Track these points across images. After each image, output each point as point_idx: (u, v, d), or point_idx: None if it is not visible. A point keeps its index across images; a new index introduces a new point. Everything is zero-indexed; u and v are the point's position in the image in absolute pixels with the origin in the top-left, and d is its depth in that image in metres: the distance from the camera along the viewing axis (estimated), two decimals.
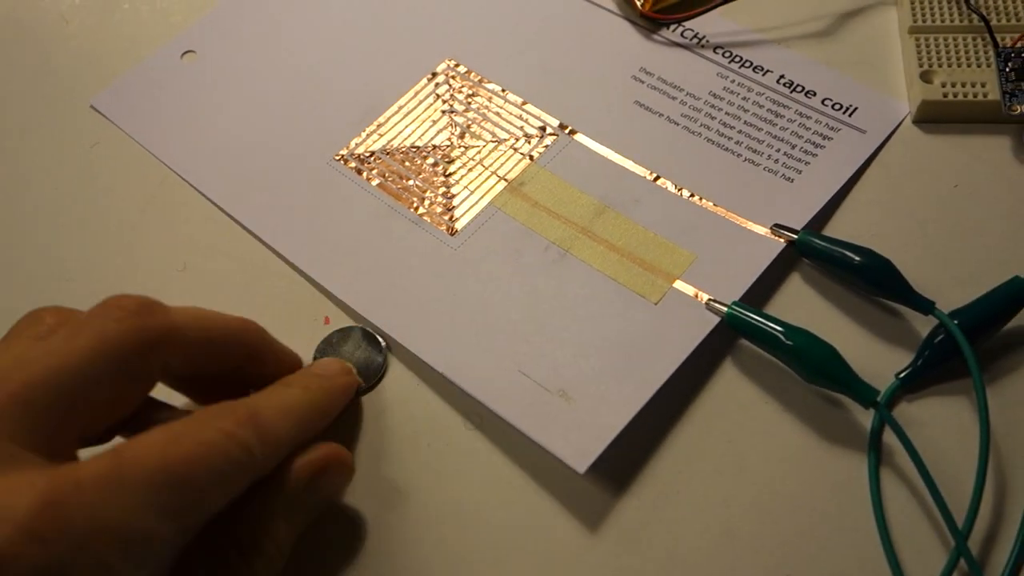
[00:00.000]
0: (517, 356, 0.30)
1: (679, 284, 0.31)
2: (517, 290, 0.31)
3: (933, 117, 0.34)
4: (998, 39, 0.34)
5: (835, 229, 0.32)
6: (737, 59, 0.37)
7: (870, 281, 0.30)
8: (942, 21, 0.36)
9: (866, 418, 0.28)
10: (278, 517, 0.24)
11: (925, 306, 0.29)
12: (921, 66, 0.35)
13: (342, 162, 0.35)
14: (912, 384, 0.29)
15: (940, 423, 0.28)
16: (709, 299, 0.30)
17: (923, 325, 0.30)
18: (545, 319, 0.31)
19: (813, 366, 0.28)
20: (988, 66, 0.34)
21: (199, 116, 0.37)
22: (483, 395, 0.29)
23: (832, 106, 0.35)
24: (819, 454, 0.28)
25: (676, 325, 0.30)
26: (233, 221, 0.34)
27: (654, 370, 0.29)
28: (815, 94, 0.35)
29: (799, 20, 0.38)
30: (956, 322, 0.28)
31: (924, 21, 0.36)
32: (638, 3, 0.38)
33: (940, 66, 0.35)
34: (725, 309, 0.29)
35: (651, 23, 0.39)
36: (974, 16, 0.35)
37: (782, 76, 0.36)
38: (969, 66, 0.34)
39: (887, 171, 0.34)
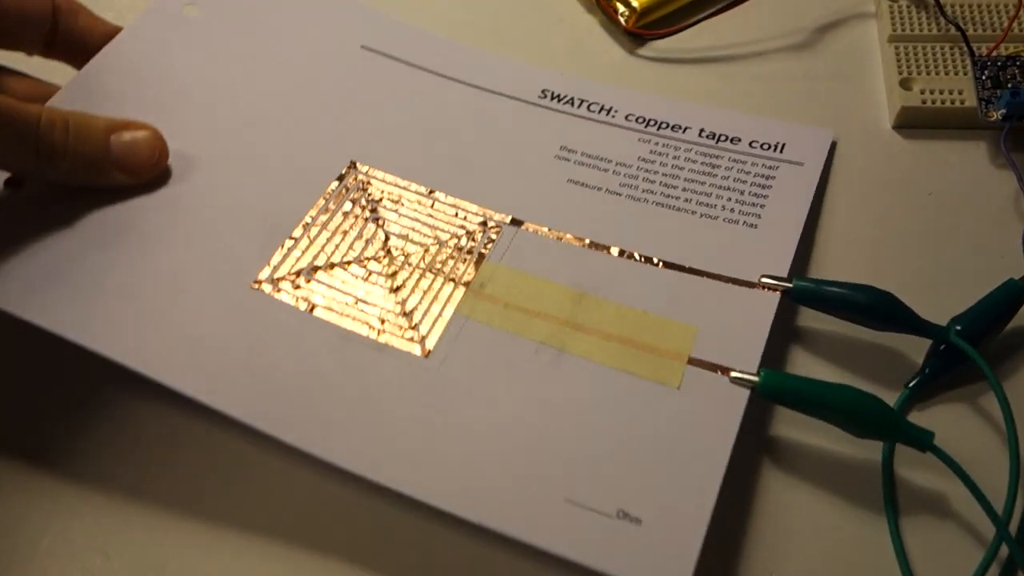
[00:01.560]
0: (556, 483, 0.26)
1: (692, 361, 0.28)
2: (523, 406, 0.28)
3: (912, 123, 0.36)
4: (974, 48, 0.36)
5: (820, 252, 0.32)
6: (652, 123, 0.36)
7: (876, 319, 0.29)
8: (920, 30, 0.37)
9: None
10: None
11: (939, 333, 0.29)
12: (900, 73, 0.36)
13: (267, 286, 0.30)
14: (921, 393, 0.29)
15: (956, 427, 0.28)
16: (735, 374, 0.28)
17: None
18: (568, 432, 0.27)
19: (865, 424, 0.26)
20: (965, 74, 0.36)
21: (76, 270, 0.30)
22: (537, 538, 0.25)
23: (761, 146, 0.34)
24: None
25: (709, 407, 0.27)
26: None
27: (709, 462, 0.26)
28: (740, 140, 0.35)
29: (778, 34, 0.39)
30: (958, 328, 0.29)
31: (903, 30, 0.37)
32: (622, 20, 0.38)
33: (919, 74, 0.36)
34: (755, 379, 0.27)
35: (635, 39, 0.39)
36: (951, 26, 0.37)
37: (702, 130, 0.35)
38: (947, 74, 0.36)
39: (864, 176, 0.34)
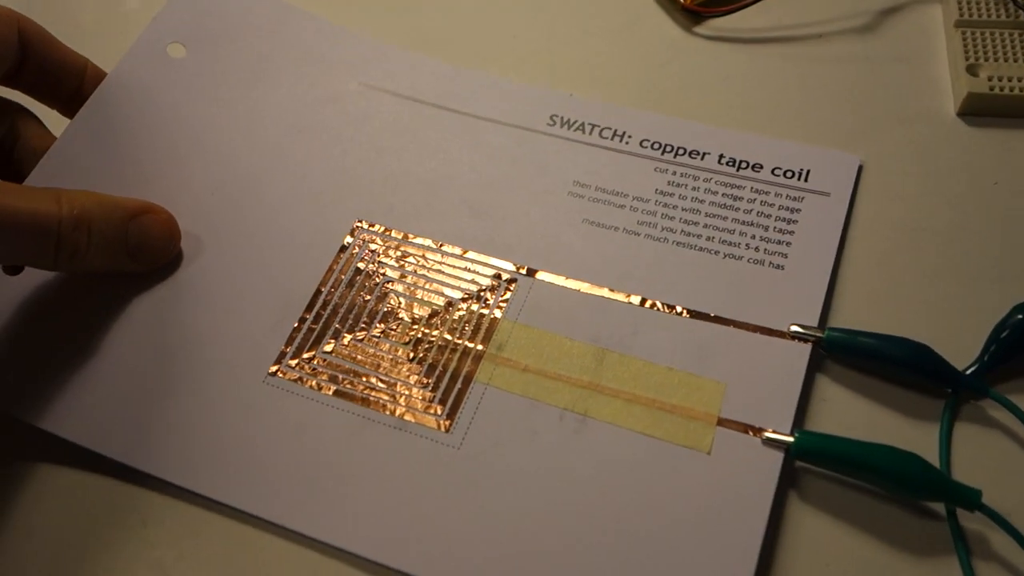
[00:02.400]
0: (587, 566, 0.25)
1: (723, 422, 0.28)
2: (551, 481, 0.27)
3: (978, 110, 0.34)
4: None
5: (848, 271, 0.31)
6: (669, 148, 0.34)
7: (911, 372, 0.28)
8: (988, 16, 0.36)
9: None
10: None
11: (975, 386, 0.27)
12: (968, 59, 0.35)
13: (280, 375, 0.29)
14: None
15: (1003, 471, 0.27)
16: (768, 435, 0.27)
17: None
18: (597, 508, 0.26)
19: (907, 483, 0.25)
20: None
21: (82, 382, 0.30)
22: None
23: (785, 174, 0.33)
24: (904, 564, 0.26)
25: (742, 473, 0.27)
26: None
27: (743, 534, 0.26)
28: (762, 167, 0.33)
29: (840, 15, 0.38)
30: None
31: (970, 15, 0.36)
32: None
33: (987, 60, 0.35)
34: (789, 440, 0.27)
35: (693, 17, 0.38)
36: (1020, 12, 0.35)
37: (721, 156, 0.34)
38: (1016, 61, 0.34)
39: (925, 163, 0.33)
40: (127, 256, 0.30)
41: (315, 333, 0.30)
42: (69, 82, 0.33)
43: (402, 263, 0.32)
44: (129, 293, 0.31)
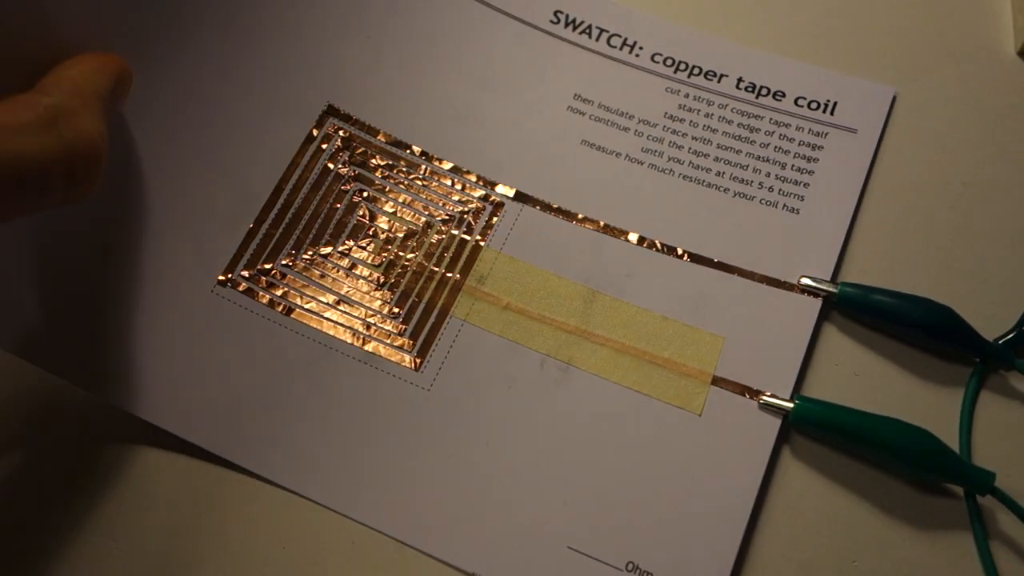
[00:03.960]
0: (557, 528, 0.23)
1: (717, 381, 0.25)
2: (524, 434, 0.25)
3: None
4: None
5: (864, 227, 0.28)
6: (683, 66, 0.30)
7: (931, 336, 0.25)
8: None
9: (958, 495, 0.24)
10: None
11: (1004, 357, 0.25)
12: None
13: (231, 287, 0.26)
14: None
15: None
16: (765, 399, 0.24)
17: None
18: (573, 468, 0.24)
19: (916, 462, 0.23)
20: None
21: None
22: None
23: (809, 105, 0.29)
24: (919, 546, 0.24)
25: (734, 438, 0.24)
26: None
27: (731, 507, 0.24)
28: (784, 95, 0.30)
29: None
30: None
31: None
32: None
33: None
34: (788, 406, 0.24)
35: None
36: None
37: (740, 79, 0.30)
38: None
39: (979, 105, 0.30)
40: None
41: (273, 240, 0.27)
42: None
43: (377, 169, 0.28)
44: None
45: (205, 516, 0.24)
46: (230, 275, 0.26)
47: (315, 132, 0.28)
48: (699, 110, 0.30)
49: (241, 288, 0.26)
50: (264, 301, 0.26)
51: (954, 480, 0.24)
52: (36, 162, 0.19)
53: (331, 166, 0.28)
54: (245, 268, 0.27)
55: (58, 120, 0.20)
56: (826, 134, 0.29)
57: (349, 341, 0.26)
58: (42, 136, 0.19)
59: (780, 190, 0.28)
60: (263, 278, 0.26)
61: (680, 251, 0.27)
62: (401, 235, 0.27)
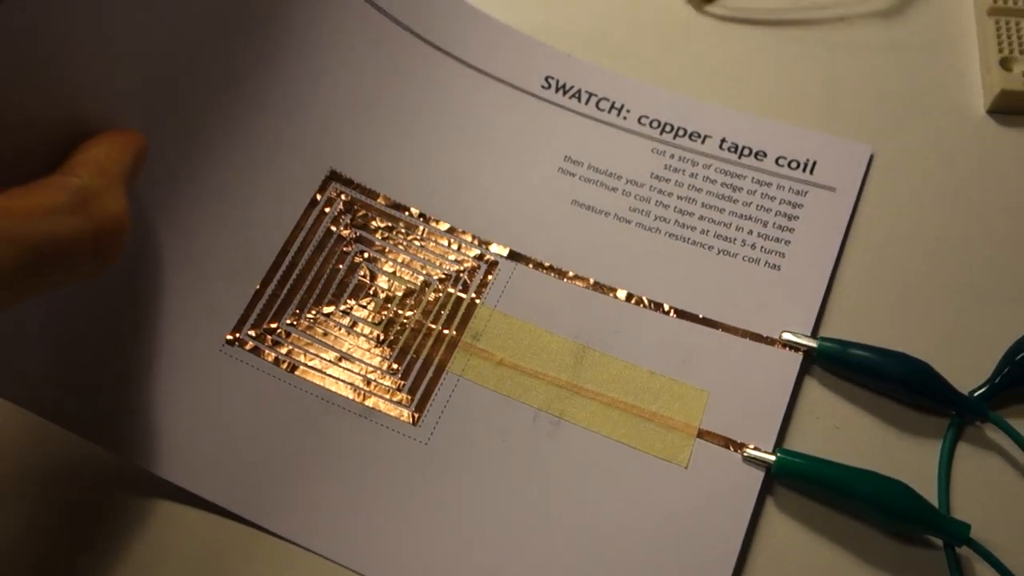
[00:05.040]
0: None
1: (703, 434, 0.26)
2: (517, 486, 0.26)
3: (1011, 108, 0.32)
4: None
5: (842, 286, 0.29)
6: (668, 128, 0.32)
7: (907, 391, 0.26)
8: None
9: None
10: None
11: (978, 410, 0.26)
12: (1001, 52, 0.32)
13: (238, 345, 0.27)
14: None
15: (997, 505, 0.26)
16: (749, 452, 0.26)
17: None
18: (563, 519, 0.25)
19: (893, 514, 0.24)
20: None
21: None
22: None
23: (789, 164, 0.31)
24: None
25: (719, 490, 0.25)
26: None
27: (716, 560, 0.25)
28: (765, 155, 0.31)
29: None
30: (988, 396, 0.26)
31: (1006, 2, 0.33)
32: None
33: (1022, 53, 0.32)
34: (770, 459, 0.25)
35: None
36: None
37: (723, 140, 0.32)
38: None
39: (949, 163, 0.31)
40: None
41: (279, 300, 0.28)
42: None
43: (377, 231, 0.30)
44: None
45: (212, 567, 0.25)
46: (237, 334, 0.28)
47: (318, 196, 0.30)
48: (684, 170, 0.31)
49: (248, 347, 0.27)
50: (270, 359, 0.27)
51: (931, 531, 0.24)
52: (68, 242, 0.20)
53: (333, 229, 0.29)
54: (252, 327, 0.28)
55: (87, 201, 0.21)
56: (806, 192, 0.30)
57: (350, 396, 0.27)
58: (73, 217, 0.21)
59: (762, 247, 0.29)
60: (269, 337, 0.28)
61: (667, 307, 0.28)
62: (400, 294, 0.29)
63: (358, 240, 0.29)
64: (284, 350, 0.28)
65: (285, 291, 0.28)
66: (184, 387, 0.27)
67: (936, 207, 0.30)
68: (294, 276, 0.28)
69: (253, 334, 0.28)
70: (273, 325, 0.28)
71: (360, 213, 0.30)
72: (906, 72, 0.33)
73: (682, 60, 0.34)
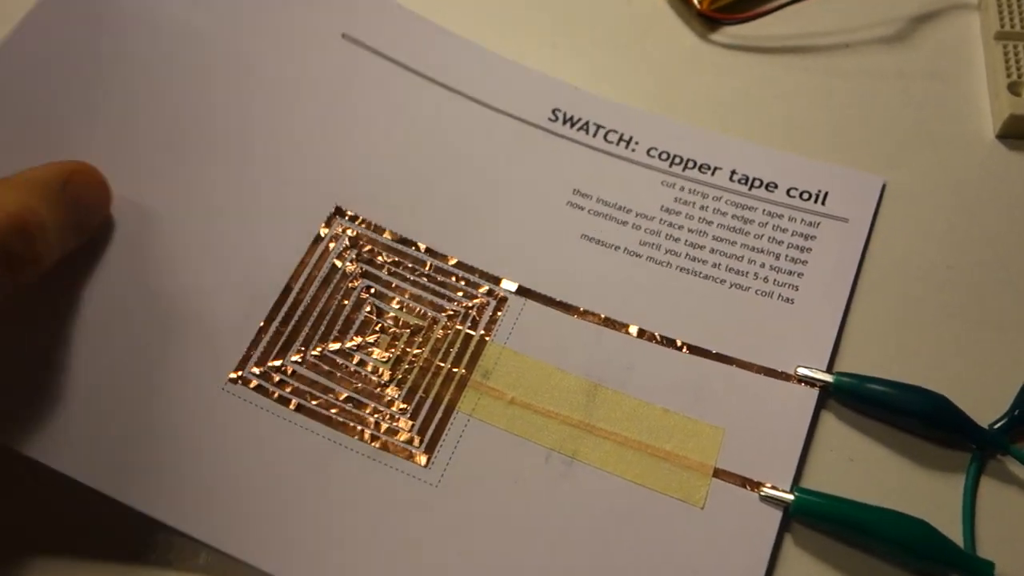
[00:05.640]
0: None
1: (719, 473, 0.26)
2: (529, 529, 0.25)
3: (1020, 133, 0.31)
4: None
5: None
6: (678, 160, 0.31)
7: (926, 425, 0.26)
8: None
9: None
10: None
11: (998, 443, 0.26)
12: (1009, 76, 0.32)
13: (242, 384, 0.27)
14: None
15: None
16: (766, 491, 0.25)
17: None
18: (577, 562, 0.25)
19: (915, 553, 0.24)
20: None
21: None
22: None
23: (801, 196, 0.30)
24: None
25: (736, 531, 0.25)
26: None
27: None
28: (776, 186, 0.31)
29: (868, 24, 0.35)
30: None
31: (1012, 27, 0.33)
32: (695, 2, 0.34)
33: None
34: (788, 498, 0.25)
35: (709, 23, 0.35)
36: None
37: (733, 171, 0.31)
38: None
39: (959, 190, 0.31)
40: (72, 232, 0.26)
41: (283, 337, 0.28)
42: None
43: (384, 266, 0.29)
44: (72, 274, 0.27)
45: None
46: (241, 372, 0.27)
47: (323, 232, 0.29)
48: (694, 203, 0.31)
49: (252, 385, 0.27)
50: (275, 398, 0.27)
51: (954, 570, 0.24)
52: None
53: (338, 264, 0.29)
54: (256, 365, 0.27)
55: None
56: (818, 224, 0.30)
57: (358, 437, 0.26)
58: None
59: (775, 280, 0.29)
60: (274, 375, 0.27)
61: (679, 343, 0.28)
62: (408, 331, 0.28)
63: (364, 275, 0.29)
64: (289, 389, 0.27)
65: (290, 328, 0.28)
66: (185, 427, 0.26)
67: (948, 235, 0.30)
68: (299, 312, 0.28)
69: (257, 372, 0.27)
70: (278, 363, 0.27)
71: (366, 248, 0.29)
72: (914, 99, 0.33)
73: (689, 90, 0.34)
